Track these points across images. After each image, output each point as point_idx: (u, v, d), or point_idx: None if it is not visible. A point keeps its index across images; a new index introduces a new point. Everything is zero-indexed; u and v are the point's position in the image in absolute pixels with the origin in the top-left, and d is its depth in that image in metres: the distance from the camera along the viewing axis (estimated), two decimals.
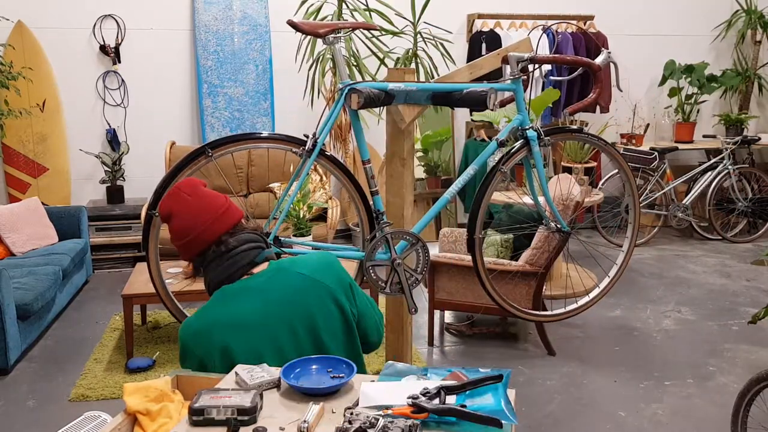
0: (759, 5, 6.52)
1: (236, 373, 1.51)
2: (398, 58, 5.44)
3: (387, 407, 1.35)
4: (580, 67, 2.90)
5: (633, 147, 6.06)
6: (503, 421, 1.38)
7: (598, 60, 2.84)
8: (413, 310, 2.68)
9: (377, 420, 1.28)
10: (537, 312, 3.52)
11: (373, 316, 1.86)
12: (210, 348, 1.63)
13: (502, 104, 3.04)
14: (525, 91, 2.88)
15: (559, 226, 3.18)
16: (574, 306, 3.48)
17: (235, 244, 1.73)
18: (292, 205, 2.85)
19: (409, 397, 1.32)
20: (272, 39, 5.63)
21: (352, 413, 1.33)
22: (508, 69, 2.82)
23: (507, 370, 1.62)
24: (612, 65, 2.93)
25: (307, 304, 1.70)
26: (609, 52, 2.92)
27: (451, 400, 1.41)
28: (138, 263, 3.91)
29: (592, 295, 3.52)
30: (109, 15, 5.39)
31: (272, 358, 1.64)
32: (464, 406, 1.36)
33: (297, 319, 1.69)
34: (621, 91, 4.11)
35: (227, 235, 1.74)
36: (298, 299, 1.70)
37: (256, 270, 1.75)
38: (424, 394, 1.34)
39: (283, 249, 2.63)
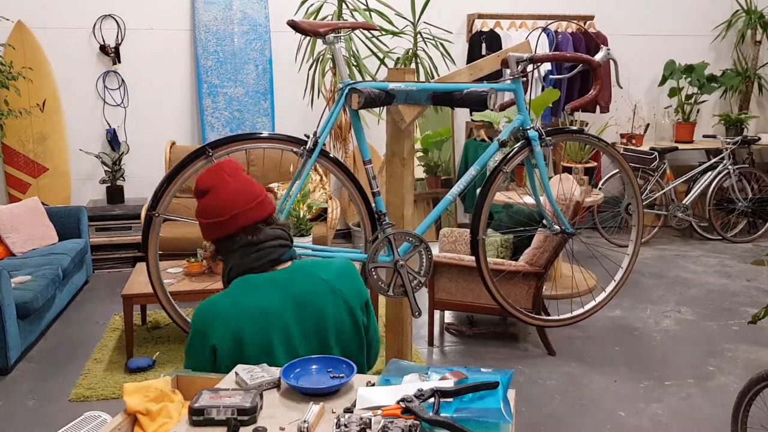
0: (759, 5, 6.52)
1: (236, 373, 1.51)
2: (398, 58, 5.44)
3: (380, 407, 1.35)
4: (580, 65, 2.90)
5: (633, 147, 6.06)
6: (500, 422, 1.38)
7: (598, 57, 2.84)
8: (417, 313, 2.66)
9: (370, 420, 1.28)
10: (542, 317, 3.52)
11: (377, 336, 1.86)
12: (226, 334, 1.63)
13: (503, 108, 3.03)
14: (525, 92, 2.88)
15: (562, 227, 3.17)
16: (581, 311, 3.47)
17: (266, 237, 1.72)
18: (292, 206, 2.84)
19: (401, 400, 1.32)
20: (272, 39, 5.62)
21: (351, 412, 1.33)
22: (507, 71, 2.82)
23: (510, 370, 1.61)
24: (612, 62, 2.92)
25: (323, 309, 1.69)
26: (608, 49, 2.91)
27: (449, 398, 1.41)
28: (138, 263, 3.90)
29: (599, 299, 3.51)
30: (109, 15, 5.39)
31: (282, 354, 1.65)
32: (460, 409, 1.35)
33: (310, 321, 1.69)
34: (621, 88, 4.11)
35: (261, 224, 1.73)
36: (315, 302, 1.69)
37: (279, 267, 1.74)
38: (418, 396, 1.33)
39: None
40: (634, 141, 6.16)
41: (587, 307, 3.50)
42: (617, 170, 5.00)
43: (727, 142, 5.89)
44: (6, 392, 3.26)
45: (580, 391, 3.24)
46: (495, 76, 3.05)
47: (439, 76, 5.10)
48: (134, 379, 3.34)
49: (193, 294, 3.48)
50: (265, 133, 2.65)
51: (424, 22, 5.48)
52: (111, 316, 4.22)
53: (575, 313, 3.48)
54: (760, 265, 5.22)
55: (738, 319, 4.13)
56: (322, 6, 5.17)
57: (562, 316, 3.48)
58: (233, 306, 1.65)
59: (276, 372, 1.50)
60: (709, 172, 5.89)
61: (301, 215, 3.89)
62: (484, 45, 5.80)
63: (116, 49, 5.41)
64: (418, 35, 5.39)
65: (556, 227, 3.19)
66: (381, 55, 5.21)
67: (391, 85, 2.55)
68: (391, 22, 5.19)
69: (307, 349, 1.68)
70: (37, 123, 5.24)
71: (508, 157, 2.92)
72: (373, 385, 1.49)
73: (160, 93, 5.57)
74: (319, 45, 5.25)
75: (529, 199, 3.98)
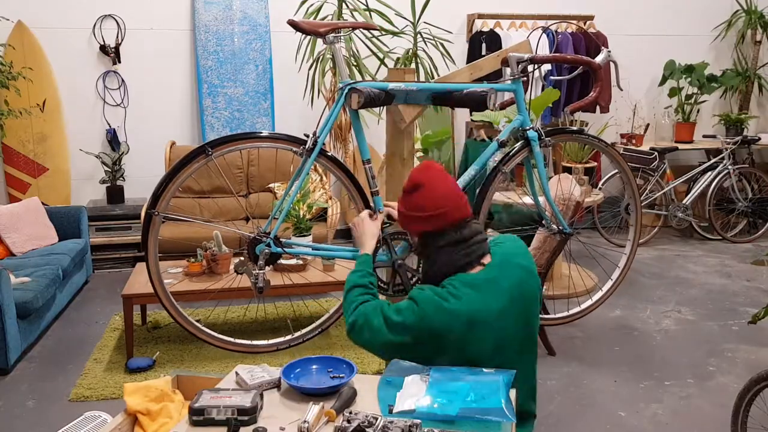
0: (759, 5, 6.52)
1: (236, 373, 1.51)
2: (398, 58, 5.44)
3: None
4: (580, 66, 2.90)
5: (633, 147, 6.06)
6: (503, 421, 1.38)
7: (598, 59, 2.84)
8: None
9: (376, 419, 1.28)
10: (539, 315, 3.52)
11: None
12: (462, 336, 1.70)
13: (503, 107, 3.03)
14: (525, 92, 2.88)
15: (560, 227, 3.18)
16: (577, 309, 3.47)
17: (471, 233, 1.84)
18: (292, 205, 2.84)
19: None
20: (272, 39, 5.62)
21: (350, 412, 1.33)
22: (508, 71, 2.82)
23: (511, 371, 1.62)
24: (612, 64, 2.92)
25: (526, 295, 1.82)
26: (609, 51, 2.91)
27: (452, 398, 1.41)
28: (138, 263, 3.90)
29: (595, 298, 3.51)
30: (109, 15, 5.39)
31: (491, 355, 1.72)
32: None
33: (523, 311, 1.80)
34: (621, 90, 4.11)
35: (467, 220, 1.86)
36: (522, 293, 1.80)
37: (483, 260, 1.84)
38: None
39: (284, 249, 2.63)
40: (634, 141, 6.16)
41: (584, 305, 3.50)
42: (617, 170, 5.01)
43: (727, 142, 5.89)
44: (6, 392, 3.26)
45: (580, 391, 3.24)
46: (495, 76, 3.05)
47: (439, 76, 5.11)
48: (134, 379, 3.34)
49: (192, 294, 3.48)
50: (264, 133, 2.65)
51: (424, 22, 5.48)
52: (111, 316, 4.21)
53: (572, 311, 3.48)
54: (760, 265, 5.22)
55: (738, 319, 4.13)
56: (322, 6, 5.18)
57: (558, 315, 3.48)
58: (474, 310, 1.72)
59: (276, 372, 1.50)
60: (709, 172, 5.89)
61: (301, 215, 3.89)
62: (484, 45, 5.80)
63: (116, 49, 5.41)
64: (418, 35, 5.39)
65: (554, 227, 3.20)
66: (381, 55, 5.21)
67: (391, 85, 2.55)
68: (391, 22, 5.19)
69: (516, 338, 1.78)
70: (37, 123, 5.24)
71: (508, 157, 2.92)
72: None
73: (160, 93, 5.57)
74: (319, 45, 5.25)
75: (528, 200, 3.98)
